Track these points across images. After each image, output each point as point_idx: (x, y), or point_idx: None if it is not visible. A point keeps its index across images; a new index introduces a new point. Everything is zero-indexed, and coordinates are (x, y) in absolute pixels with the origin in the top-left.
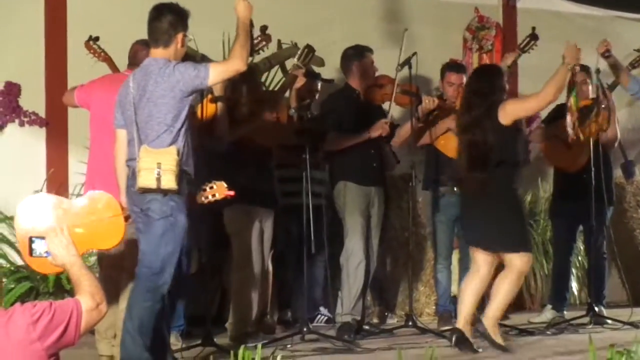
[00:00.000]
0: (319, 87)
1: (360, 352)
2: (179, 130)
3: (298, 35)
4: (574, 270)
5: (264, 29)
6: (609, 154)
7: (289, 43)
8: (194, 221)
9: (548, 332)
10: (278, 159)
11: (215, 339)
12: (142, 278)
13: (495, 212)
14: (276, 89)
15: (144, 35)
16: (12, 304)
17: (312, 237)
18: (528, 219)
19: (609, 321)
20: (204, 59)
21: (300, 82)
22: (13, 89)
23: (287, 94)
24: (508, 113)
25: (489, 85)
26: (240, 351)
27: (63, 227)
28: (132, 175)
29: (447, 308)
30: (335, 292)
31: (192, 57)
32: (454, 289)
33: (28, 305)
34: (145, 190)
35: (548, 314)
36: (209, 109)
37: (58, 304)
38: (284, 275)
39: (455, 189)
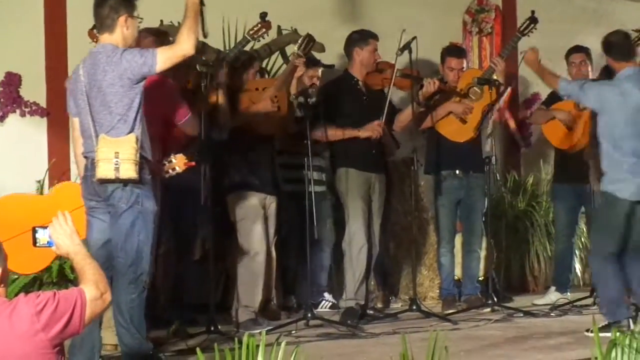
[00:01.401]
0: (320, 73)
1: (364, 337)
2: (135, 119)
3: (298, 21)
4: (576, 252)
5: (264, 15)
6: None
7: (289, 29)
8: (197, 209)
9: (552, 314)
10: (280, 145)
11: (219, 326)
12: (121, 271)
13: None
14: (277, 76)
15: (143, 23)
16: (15, 295)
17: (315, 223)
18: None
19: None
20: (204, 47)
21: (300, 71)
22: (13, 80)
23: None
24: None
25: None
26: (245, 338)
27: (67, 216)
28: (91, 166)
29: (451, 291)
30: (339, 278)
31: None
32: (457, 272)
33: (32, 295)
34: (104, 181)
35: (552, 295)
36: (210, 97)
37: (62, 294)
38: (287, 261)
39: (457, 172)
